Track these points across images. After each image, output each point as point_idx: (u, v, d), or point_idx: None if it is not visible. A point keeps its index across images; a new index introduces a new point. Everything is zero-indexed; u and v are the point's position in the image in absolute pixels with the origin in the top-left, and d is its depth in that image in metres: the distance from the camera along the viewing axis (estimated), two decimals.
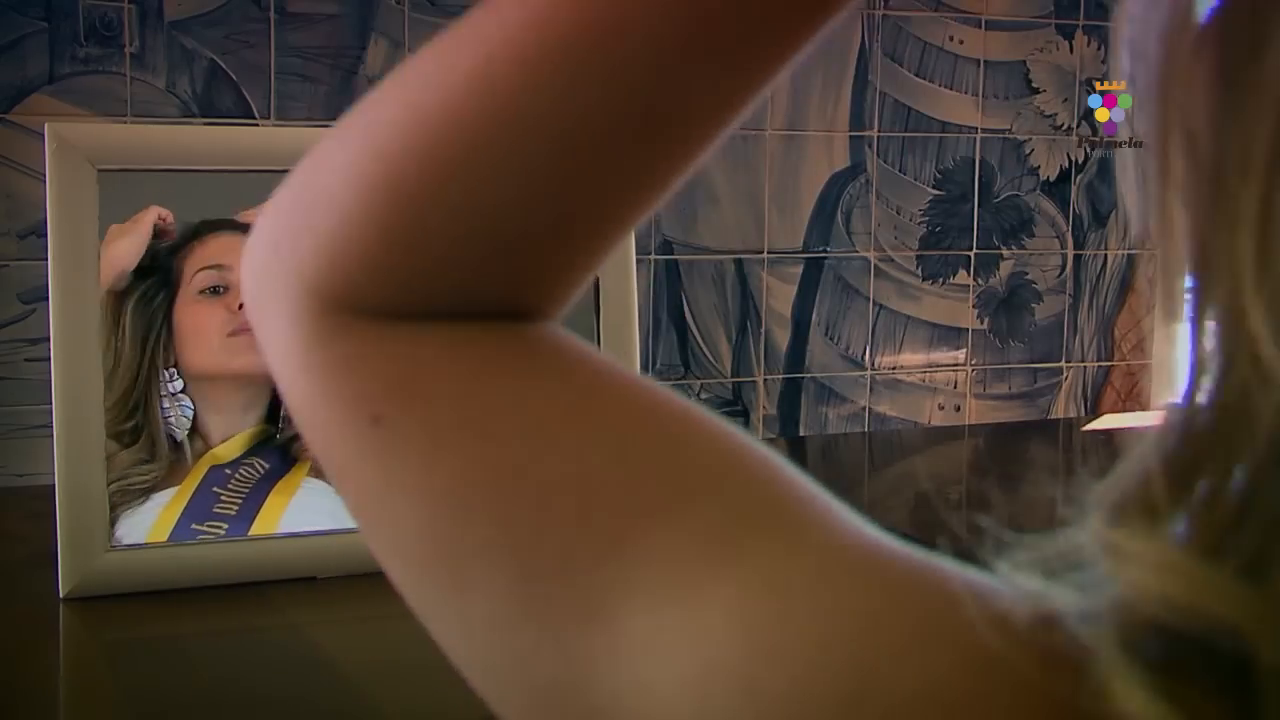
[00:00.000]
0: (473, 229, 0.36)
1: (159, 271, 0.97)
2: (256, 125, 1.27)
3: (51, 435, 0.91)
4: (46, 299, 0.92)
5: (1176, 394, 0.29)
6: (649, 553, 0.32)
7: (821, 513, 0.33)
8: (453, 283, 0.36)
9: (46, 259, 0.92)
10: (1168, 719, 0.26)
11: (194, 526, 0.96)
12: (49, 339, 0.92)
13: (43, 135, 0.93)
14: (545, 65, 0.34)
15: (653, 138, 0.35)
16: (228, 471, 0.97)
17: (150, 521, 0.95)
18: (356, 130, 0.38)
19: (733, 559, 0.31)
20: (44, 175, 0.93)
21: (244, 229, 0.99)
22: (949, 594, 0.29)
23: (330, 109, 1.30)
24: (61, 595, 0.91)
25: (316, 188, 0.39)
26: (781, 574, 0.31)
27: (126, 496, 0.94)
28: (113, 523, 0.93)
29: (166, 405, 0.97)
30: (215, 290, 0.98)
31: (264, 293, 0.39)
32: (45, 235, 0.92)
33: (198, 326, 0.98)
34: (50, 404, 0.92)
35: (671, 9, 0.33)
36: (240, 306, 0.97)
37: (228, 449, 0.98)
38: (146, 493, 0.95)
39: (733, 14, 0.34)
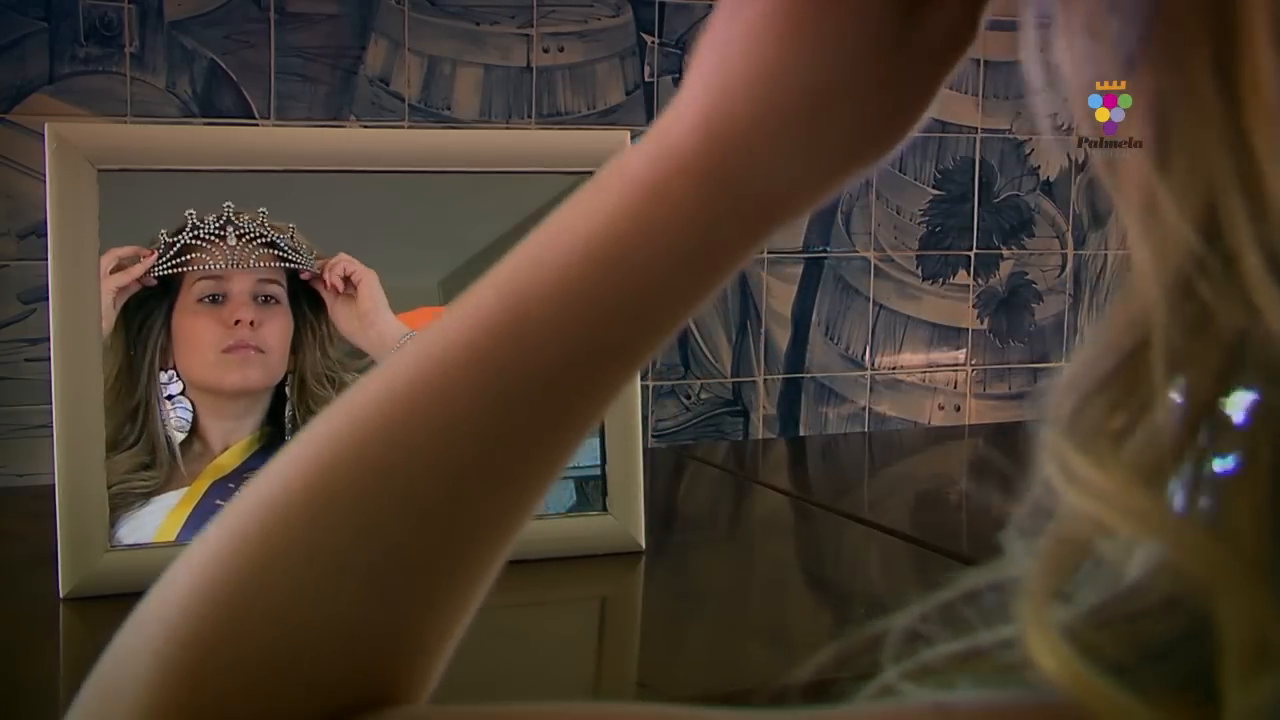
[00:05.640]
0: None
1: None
2: (256, 125, 1.27)
3: (51, 435, 0.91)
4: (46, 299, 0.92)
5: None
6: None
7: None
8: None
9: (46, 259, 0.92)
10: (1087, 684, 0.25)
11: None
12: (49, 339, 0.92)
13: (43, 135, 0.93)
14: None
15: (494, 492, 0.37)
16: (231, 486, 0.97)
17: (155, 524, 0.95)
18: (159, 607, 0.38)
19: None
20: (44, 175, 0.93)
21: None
22: None
23: (330, 109, 1.30)
24: (61, 595, 0.91)
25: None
26: None
27: (127, 500, 0.94)
28: (113, 524, 0.93)
29: (165, 408, 0.97)
30: (213, 299, 0.97)
31: None
32: (45, 235, 0.92)
33: (194, 337, 0.97)
34: (50, 404, 0.92)
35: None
36: (236, 322, 0.97)
37: (230, 457, 0.98)
38: (147, 497, 0.95)
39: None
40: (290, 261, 0.99)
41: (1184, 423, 0.27)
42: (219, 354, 0.97)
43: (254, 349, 0.98)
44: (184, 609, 0.36)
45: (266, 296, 0.98)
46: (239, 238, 0.97)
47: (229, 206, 0.97)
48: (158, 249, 0.96)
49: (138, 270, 0.95)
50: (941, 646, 0.29)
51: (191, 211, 0.96)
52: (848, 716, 0.30)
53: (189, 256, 0.97)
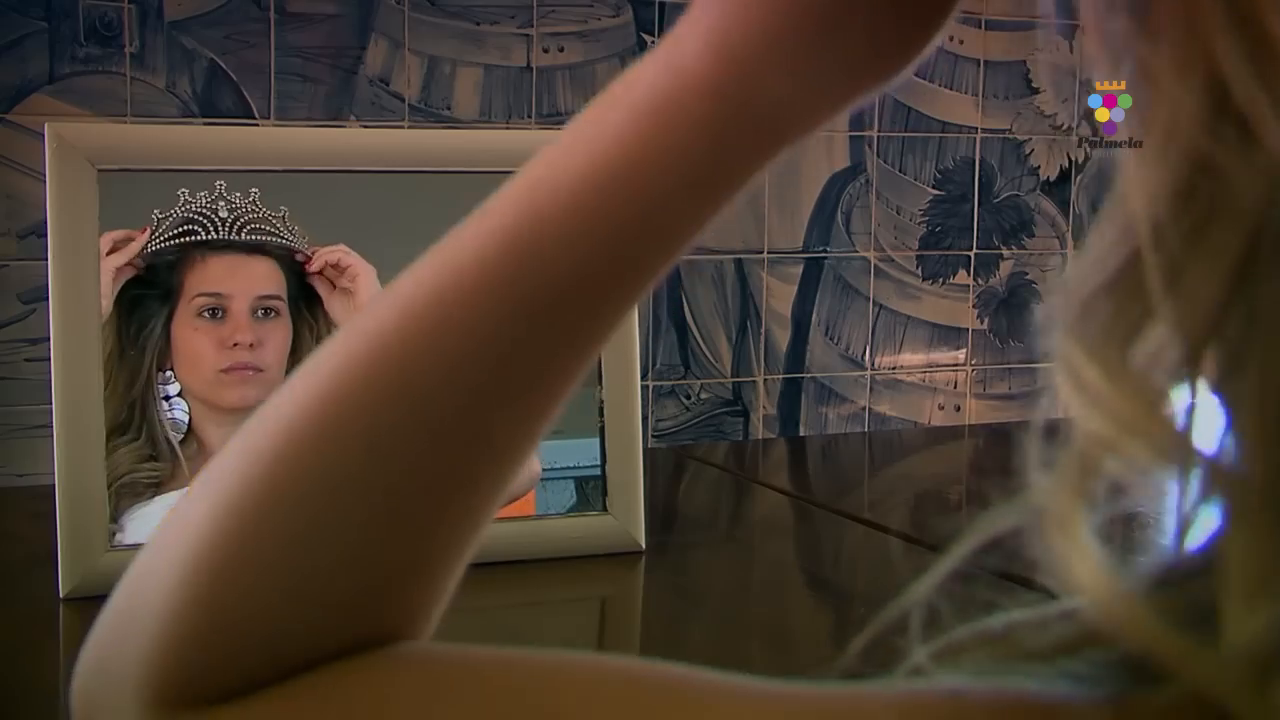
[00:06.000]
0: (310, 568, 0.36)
1: (160, 277, 0.97)
2: (256, 125, 1.27)
3: (51, 435, 0.91)
4: (46, 299, 0.92)
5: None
6: None
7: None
8: (296, 636, 0.36)
9: (46, 259, 0.92)
10: (1114, 594, 0.25)
11: None
12: (49, 339, 0.92)
13: (43, 135, 0.93)
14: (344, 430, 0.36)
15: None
16: None
17: (156, 524, 0.95)
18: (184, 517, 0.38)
19: None
20: (44, 175, 0.93)
21: (247, 249, 0.98)
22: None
23: (330, 109, 1.30)
24: (61, 595, 0.91)
25: (138, 592, 0.39)
26: None
27: (134, 491, 0.94)
28: (116, 517, 0.93)
29: (162, 407, 0.97)
30: (213, 313, 0.97)
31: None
32: (45, 235, 0.92)
33: (193, 352, 0.97)
34: (50, 404, 0.92)
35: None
36: (235, 344, 0.97)
37: None
38: (154, 489, 0.95)
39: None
40: (282, 238, 0.99)
41: (1190, 335, 0.26)
42: (217, 373, 0.97)
43: (253, 369, 0.98)
44: (200, 532, 0.37)
45: (266, 309, 0.98)
46: (231, 211, 0.97)
47: (221, 184, 0.97)
48: (152, 228, 0.96)
49: (134, 248, 0.95)
50: (971, 626, 0.29)
51: (184, 190, 0.97)
52: (862, 696, 0.30)
53: (185, 228, 0.97)
